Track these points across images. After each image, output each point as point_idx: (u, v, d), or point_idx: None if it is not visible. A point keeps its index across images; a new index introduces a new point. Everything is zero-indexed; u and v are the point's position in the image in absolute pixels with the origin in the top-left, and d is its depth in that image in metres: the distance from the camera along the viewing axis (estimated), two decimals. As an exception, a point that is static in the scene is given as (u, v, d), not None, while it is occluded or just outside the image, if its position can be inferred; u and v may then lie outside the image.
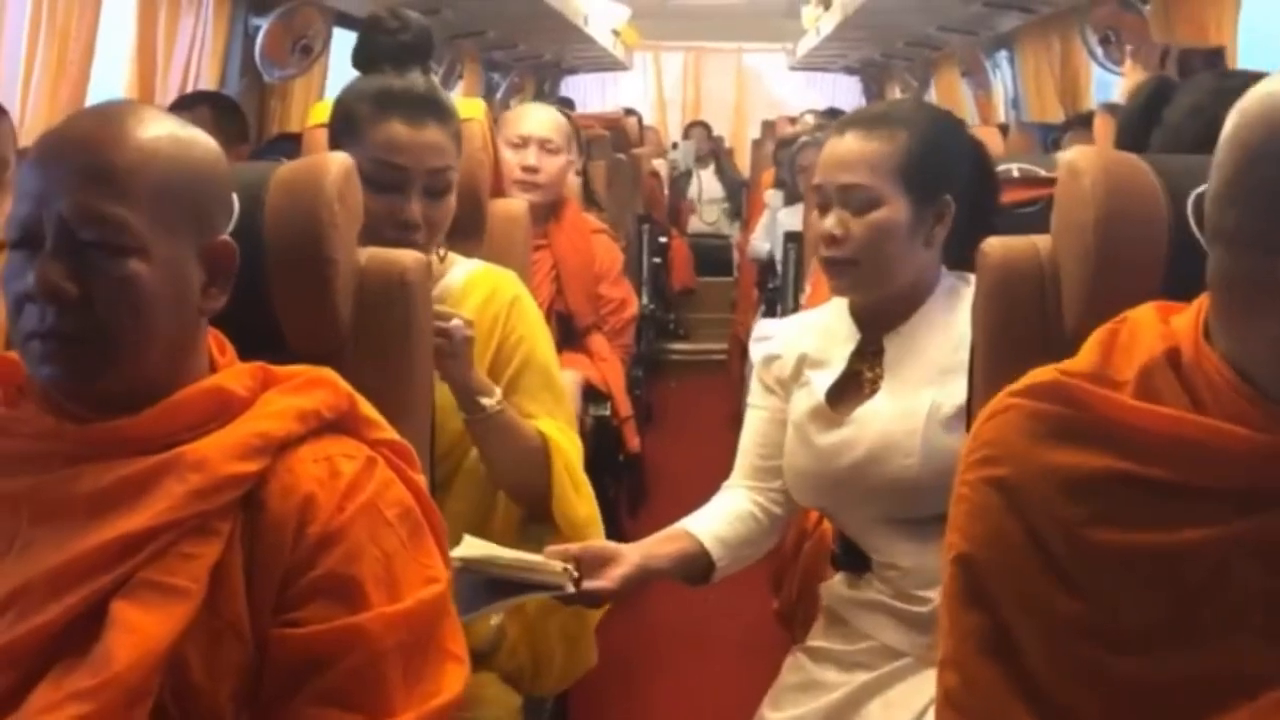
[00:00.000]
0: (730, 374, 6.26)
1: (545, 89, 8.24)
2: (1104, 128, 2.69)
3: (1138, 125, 1.67)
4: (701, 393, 6.33)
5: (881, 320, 1.72)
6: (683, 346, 7.16)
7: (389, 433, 1.18)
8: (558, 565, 1.52)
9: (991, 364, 1.32)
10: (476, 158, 2.18)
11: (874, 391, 1.70)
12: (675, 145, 8.48)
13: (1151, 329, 1.10)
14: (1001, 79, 5.17)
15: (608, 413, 2.69)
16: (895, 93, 7.64)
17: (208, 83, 3.26)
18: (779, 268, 4.48)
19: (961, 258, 1.67)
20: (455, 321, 1.62)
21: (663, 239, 5.95)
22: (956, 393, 1.58)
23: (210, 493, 1.06)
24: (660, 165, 6.96)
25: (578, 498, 1.74)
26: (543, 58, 7.13)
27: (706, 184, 8.28)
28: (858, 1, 4.81)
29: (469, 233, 2.15)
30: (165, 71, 3.06)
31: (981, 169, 1.73)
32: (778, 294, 4.36)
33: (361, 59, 1.79)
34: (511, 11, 4.70)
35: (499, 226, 2.26)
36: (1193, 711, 1.00)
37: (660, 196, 6.75)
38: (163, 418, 1.09)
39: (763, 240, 5.10)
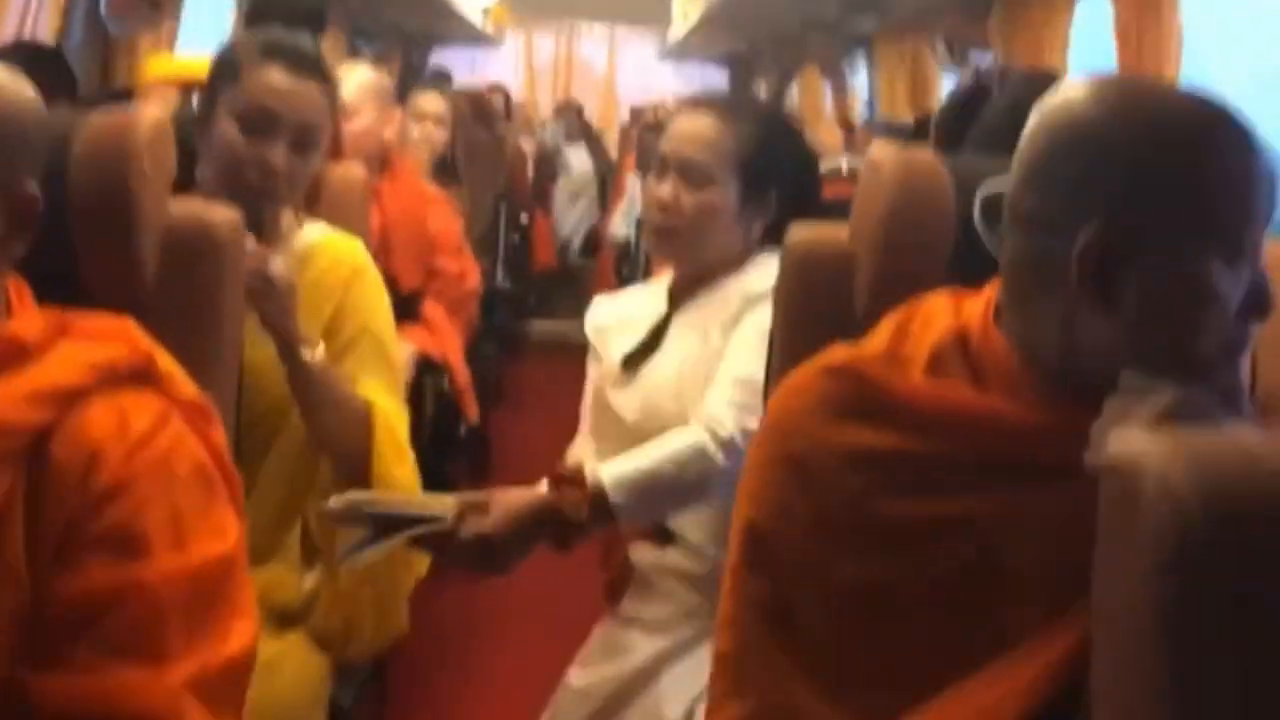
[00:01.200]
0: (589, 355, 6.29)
1: (414, 60, 8.15)
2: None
3: (953, 123, 1.76)
4: (560, 371, 6.34)
5: (685, 291, 1.82)
6: (546, 325, 7.16)
7: (188, 389, 1.17)
8: (444, 499, 1.56)
9: (790, 343, 1.38)
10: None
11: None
12: (543, 124, 8.48)
13: (944, 312, 1.14)
14: (858, 79, 5.31)
15: (445, 385, 2.70)
16: (761, 87, 7.77)
17: (46, 34, 3.15)
18: (643, 257, 4.53)
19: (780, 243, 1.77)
20: (275, 261, 1.62)
21: (524, 218, 5.95)
22: (717, 343, 1.72)
23: None
24: (527, 143, 6.95)
25: (399, 462, 1.74)
26: (408, 28, 7.04)
27: (576, 163, 8.30)
28: (722, -8, 4.87)
29: (308, 194, 2.14)
30: (0, 19, 2.94)
31: (808, 168, 1.87)
32: (633, 275, 4.42)
33: (254, 15, 1.82)
34: (376, -21, 4.64)
35: (336, 191, 2.24)
36: (963, 676, 1.05)
37: (524, 175, 6.74)
38: None
39: (620, 224, 5.16)
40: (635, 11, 8.39)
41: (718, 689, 1.11)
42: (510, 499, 1.61)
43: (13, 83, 1.13)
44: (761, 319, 1.61)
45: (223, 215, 1.42)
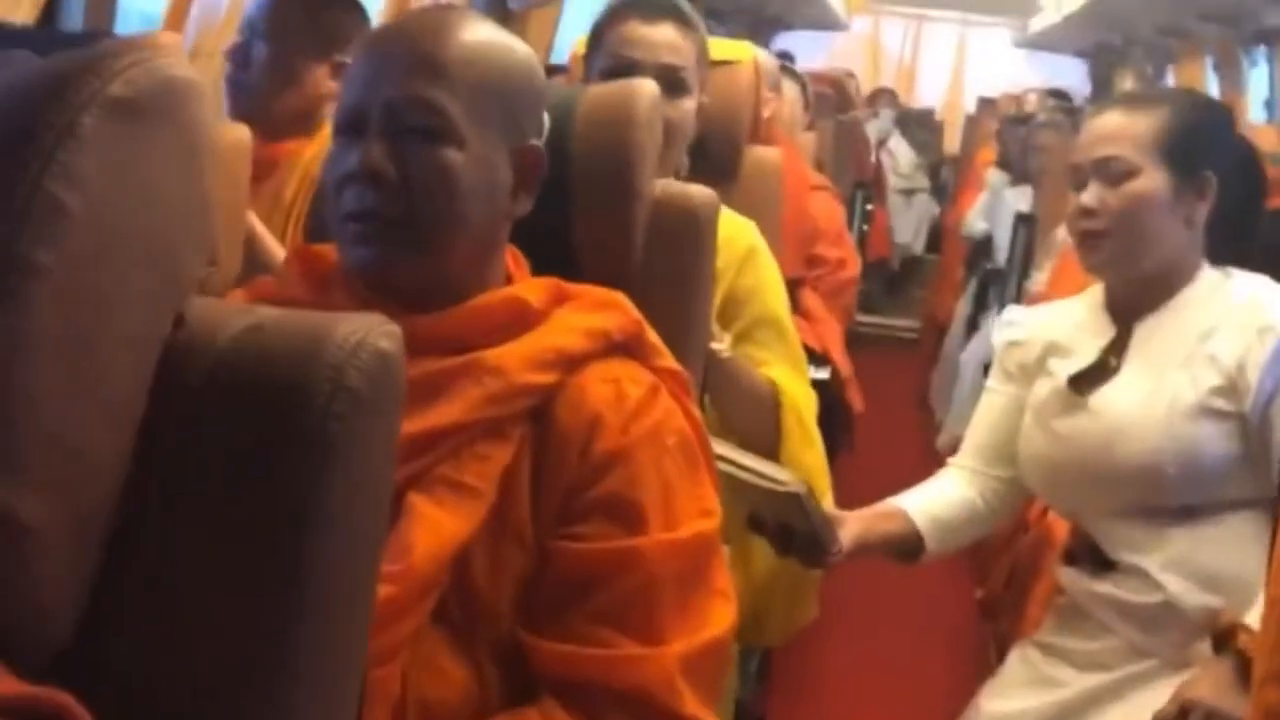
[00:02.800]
0: (920, 354, 6.12)
1: (759, 42, 8.12)
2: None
3: None
4: (888, 371, 6.20)
5: (1135, 309, 1.66)
6: (871, 320, 7.01)
7: (672, 362, 1.18)
8: (790, 472, 1.52)
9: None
10: (739, 102, 2.13)
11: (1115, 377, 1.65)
12: (876, 114, 8.30)
13: None
14: (1256, 77, 4.87)
15: (827, 375, 2.62)
16: (1127, 82, 7.30)
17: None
18: (999, 252, 4.33)
19: (1225, 255, 1.64)
20: None
21: (870, 206, 5.81)
22: (1203, 381, 1.55)
23: (506, 399, 1.07)
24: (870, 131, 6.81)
25: (807, 447, 1.71)
26: (765, 11, 7.02)
27: (902, 155, 8.09)
28: (1112, -20, 4.57)
29: (725, 176, 2.12)
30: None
31: (1247, 160, 1.67)
32: (995, 277, 4.22)
33: None
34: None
35: (753, 174, 2.22)
36: None
37: (869, 163, 6.60)
38: (463, 321, 1.10)
39: (979, 219, 4.95)
40: (989, 3, 8.06)
41: None
42: (862, 529, 1.61)
43: (520, 45, 1.17)
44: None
45: (704, 196, 1.39)
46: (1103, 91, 7.62)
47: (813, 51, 9.08)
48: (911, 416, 5.23)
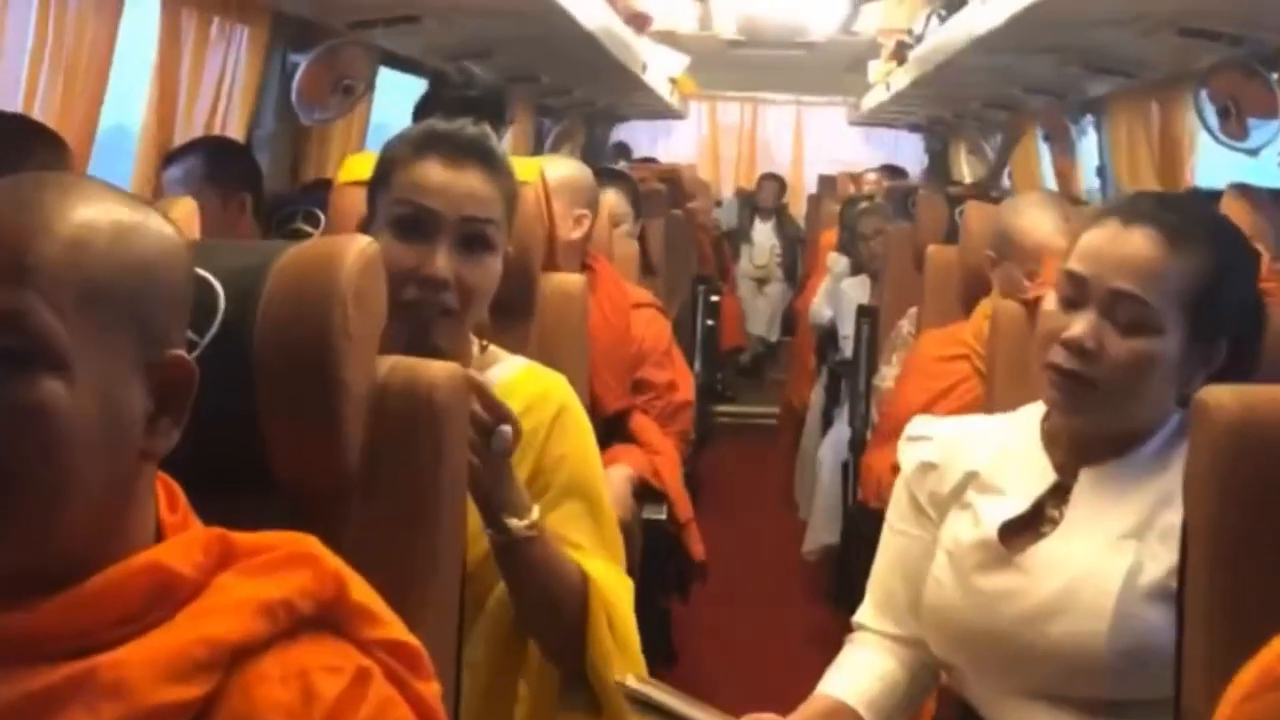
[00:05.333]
0: (779, 444, 5.93)
1: (596, 136, 7.98)
2: (1239, 213, 2.35)
3: None
4: (749, 464, 5.99)
5: (1085, 450, 1.39)
6: (729, 409, 6.80)
7: (391, 629, 0.88)
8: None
9: (1217, 559, 0.98)
10: (529, 226, 1.88)
11: (1053, 532, 1.37)
12: (719, 203, 8.20)
13: None
14: (1086, 146, 4.84)
15: (664, 516, 2.33)
16: (961, 152, 7.33)
17: (236, 123, 2.98)
18: (844, 341, 4.15)
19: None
20: (504, 428, 1.30)
21: (714, 298, 5.63)
22: (1161, 558, 1.28)
23: None
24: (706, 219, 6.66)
25: (620, 656, 1.41)
26: (596, 105, 6.86)
27: (760, 237, 7.99)
28: (936, 60, 4.49)
29: (518, 312, 1.85)
30: (190, 110, 2.78)
31: (1259, 319, 1.39)
32: (846, 368, 4.03)
33: (424, 116, 1.53)
34: (568, 58, 4.43)
35: (552, 305, 1.95)
36: None
37: (710, 253, 6.44)
38: (75, 610, 0.79)
39: (824, 306, 4.78)
40: (823, 83, 8.07)
41: None
42: None
43: (155, 222, 0.87)
44: None
45: (444, 370, 1.11)
46: (938, 164, 7.64)
47: (653, 138, 9.02)
48: (776, 514, 5.01)
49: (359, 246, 1.06)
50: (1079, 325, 1.33)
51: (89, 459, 0.79)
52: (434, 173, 1.43)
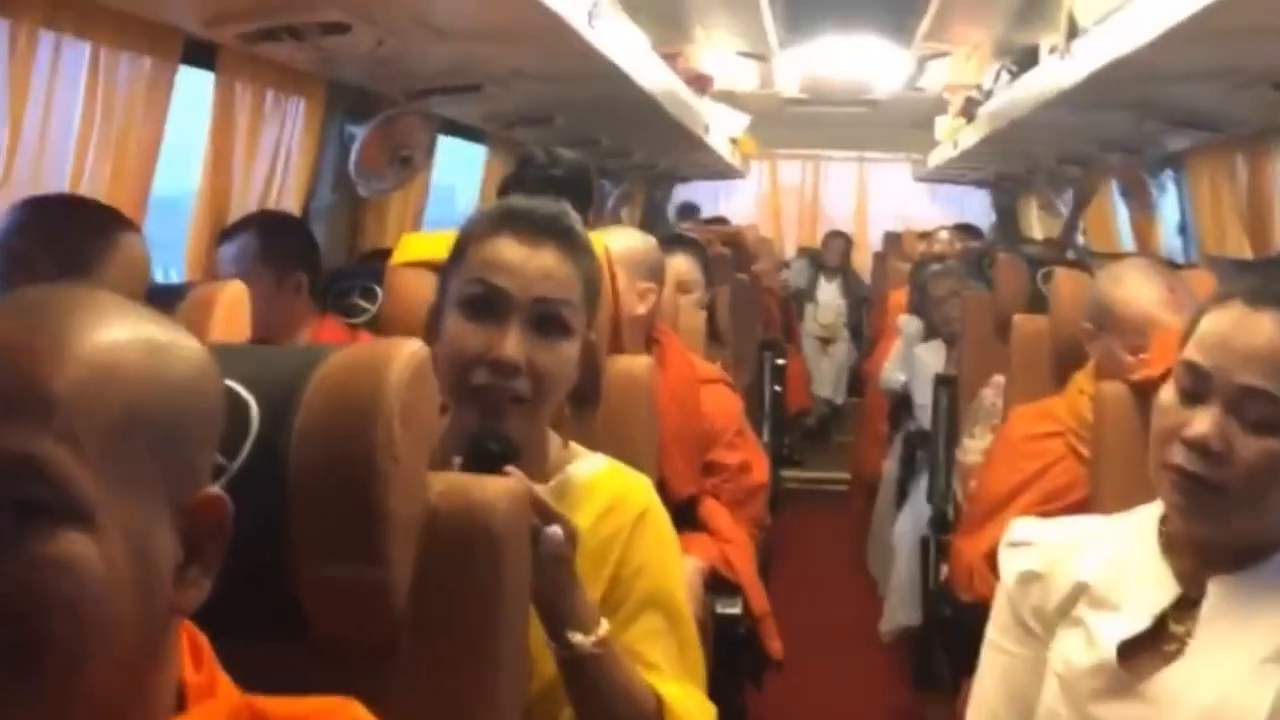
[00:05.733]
0: (851, 512, 5.76)
1: (657, 198, 7.90)
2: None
3: None
4: (820, 531, 5.82)
5: (1213, 558, 1.24)
6: (797, 474, 6.61)
7: None
8: None
9: None
10: (592, 306, 1.76)
11: (1181, 652, 1.22)
12: (787, 264, 8.07)
13: None
14: (1166, 202, 4.65)
15: (738, 610, 2.18)
16: (1032, 208, 7.15)
17: (292, 196, 2.91)
18: (920, 410, 3.99)
19: None
20: (552, 529, 1.19)
21: (780, 361, 5.49)
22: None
23: None
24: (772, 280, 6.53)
25: None
26: (657, 167, 6.78)
27: (825, 296, 7.84)
28: (1008, 117, 4.35)
29: (582, 398, 1.73)
30: (245, 182, 2.71)
31: None
32: (921, 439, 3.86)
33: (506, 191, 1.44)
34: (628, 121, 4.35)
35: (619, 390, 1.83)
36: None
37: (777, 315, 6.30)
38: None
39: (897, 371, 4.62)
40: (887, 139, 7.95)
41: None
42: None
43: (186, 342, 0.76)
44: None
45: (504, 488, 0.99)
46: (1007, 220, 7.46)
47: (714, 196, 8.92)
48: (850, 587, 4.83)
49: (406, 353, 0.94)
50: (1203, 423, 1.20)
51: (116, 619, 0.70)
52: (507, 250, 1.34)
